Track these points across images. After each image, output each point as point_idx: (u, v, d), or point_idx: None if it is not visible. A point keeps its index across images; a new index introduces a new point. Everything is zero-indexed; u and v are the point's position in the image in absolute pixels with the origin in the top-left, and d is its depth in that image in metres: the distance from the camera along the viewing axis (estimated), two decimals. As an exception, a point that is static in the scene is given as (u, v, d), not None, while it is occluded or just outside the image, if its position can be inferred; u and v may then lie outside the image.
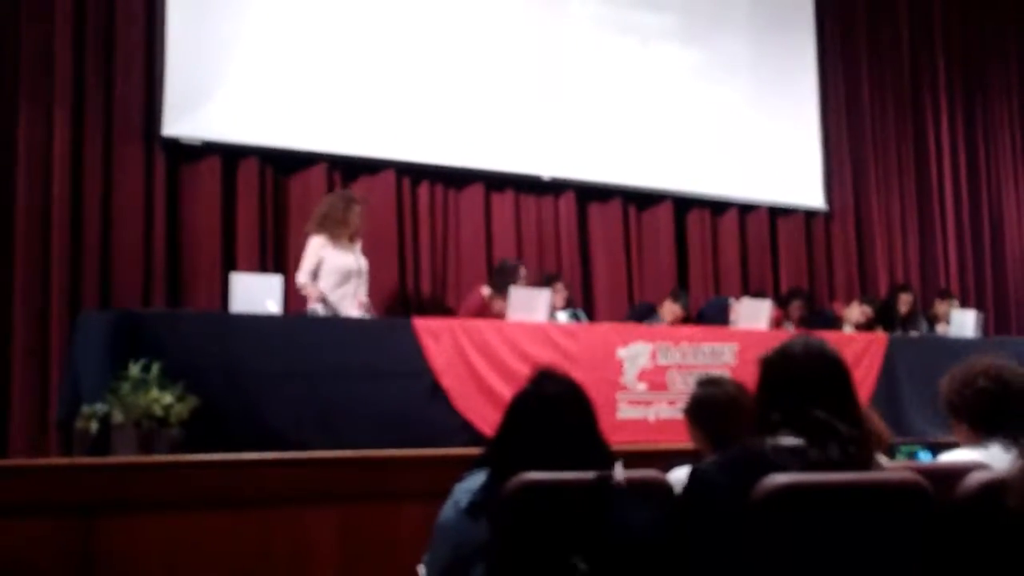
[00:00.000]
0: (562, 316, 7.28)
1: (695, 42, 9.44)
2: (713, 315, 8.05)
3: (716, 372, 3.29)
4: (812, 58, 10.15)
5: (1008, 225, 11.07)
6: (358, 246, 6.66)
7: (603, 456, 2.70)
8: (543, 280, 7.55)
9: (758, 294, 8.50)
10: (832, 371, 2.60)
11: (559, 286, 7.43)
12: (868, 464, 2.53)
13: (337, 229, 6.51)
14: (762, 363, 2.67)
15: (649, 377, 6.28)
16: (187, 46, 7.31)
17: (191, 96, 7.31)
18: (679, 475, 2.81)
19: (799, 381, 2.57)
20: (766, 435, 2.52)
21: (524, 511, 2.44)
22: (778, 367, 2.63)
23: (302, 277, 6.41)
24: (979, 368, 3.23)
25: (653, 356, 6.33)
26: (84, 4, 7.06)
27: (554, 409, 2.78)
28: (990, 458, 3.07)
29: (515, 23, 8.62)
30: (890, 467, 3.04)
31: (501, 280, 7.10)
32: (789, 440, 2.46)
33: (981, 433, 3.21)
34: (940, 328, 8.84)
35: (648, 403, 6.24)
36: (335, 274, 6.41)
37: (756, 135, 9.62)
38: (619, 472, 2.57)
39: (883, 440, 3.26)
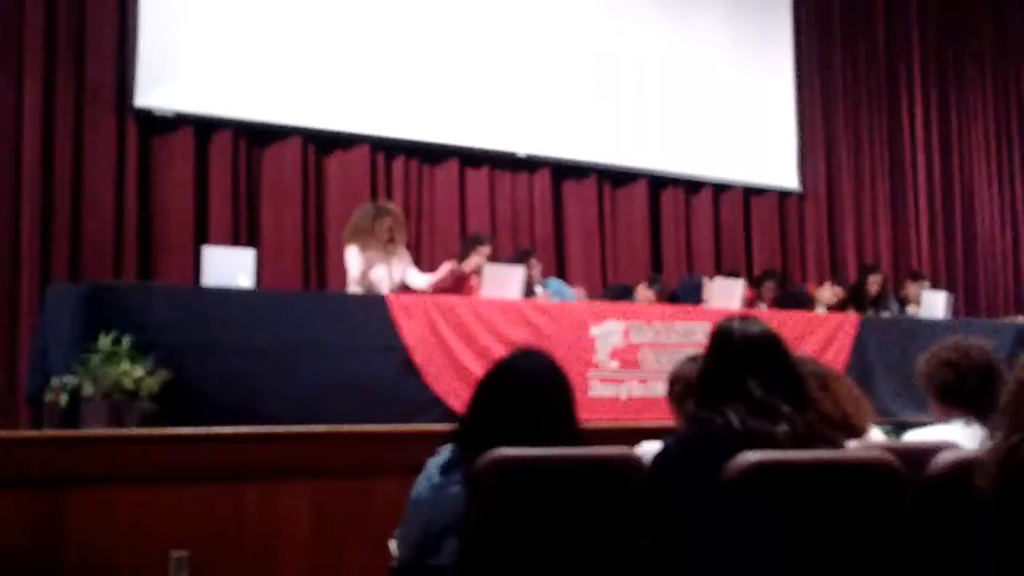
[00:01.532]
0: (540, 290, 7.27)
1: (671, 20, 9.43)
2: (686, 294, 8.06)
3: (693, 351, 3.28)
4: (788, 37, 10.18)
5: (979, 207, 11.15)
6: (397, 256, 6.57)
7: (571, 435, 2.73)
8: (516, 257, 7.54)
9: (731, 273, 8.51)
10: (770, 351, 2.68)
11: (533, 261, 7.42)
12: (822, 442, 2.58)
13: (366, 239, 6.47)
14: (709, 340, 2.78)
15: (621, 355, 6.28)
16: (160, 16, 7.25)
17: (164, 67, 7.26)
18: (647, 449, 2.82)
19: (739, 359, 2.66)
20: (708, 410, 2.57)
21: (498, 486, 2.44)
22: (720, 345, 2.73)
23: (352, 286, 6.37)
24: (948, 344, 3.29)
25: (626, 334, 6.34)
26: (55, -27, 6.99)
27: (525, 383, 2.79)
28: (952, 434, 3.11)
29: (486, 1, 8.58)
30: (862, 445, 3.07)
31: (463, 250, 7.13)
32: (735, 416, 2.50)
33: (947, 407, 3.27)
34: (911, 309, 8.88)
35: (620, 381, 6.24)
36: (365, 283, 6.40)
37: (731, 114, 9.63)
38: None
39: (858, 426, 3.27)
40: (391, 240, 6.51)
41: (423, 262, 8.14)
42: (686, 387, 3.23)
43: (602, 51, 9.03)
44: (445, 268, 6.68)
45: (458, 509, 2.56)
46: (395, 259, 6.52)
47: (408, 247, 7.36)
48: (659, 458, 2.60)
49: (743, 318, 2.82)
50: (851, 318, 7.36)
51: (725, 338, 2.74)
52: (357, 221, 6.58)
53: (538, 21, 8.76)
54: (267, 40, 7.62)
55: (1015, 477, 2.12)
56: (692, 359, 3.35)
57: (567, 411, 2.81)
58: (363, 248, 6.45)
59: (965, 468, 2.36)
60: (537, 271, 7.41)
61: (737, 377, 2.62)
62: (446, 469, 2.72)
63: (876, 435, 3.21)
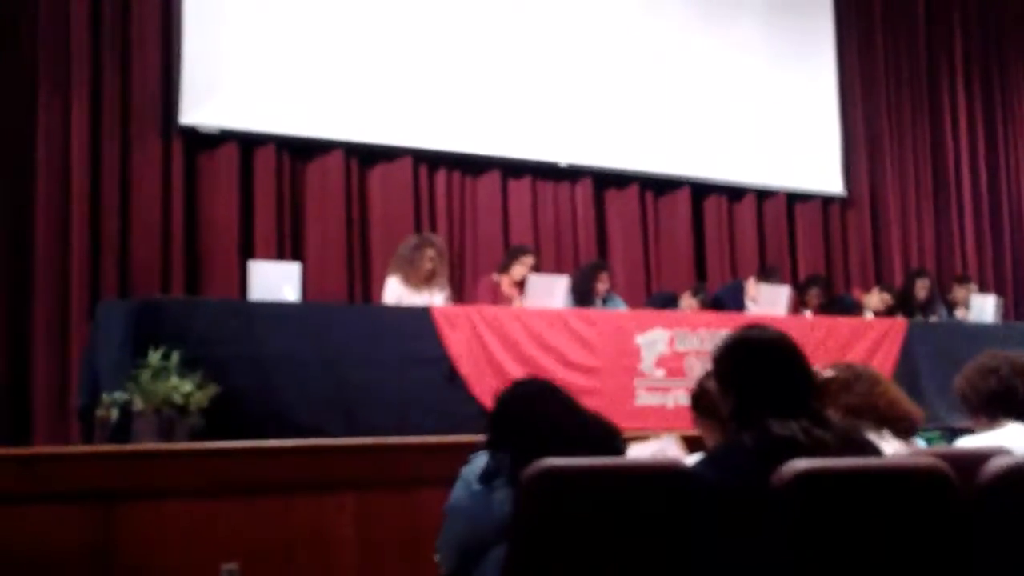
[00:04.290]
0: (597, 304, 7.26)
1: (712, 26, 9.39)
2: (729, 299, 8.03)
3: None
4: (830, 42, 10.10)
5: (1027, 208, 11.00)
6: (439, 288, 6.56)
7: (608, 432, 2.79)
8: (588, 268, 7.52)
9: (771, 271, 8.45)
10: (790, 355, 2.67)
11: (603, 275, 7.39)
12: (862, 446, 2.57)
13: (407, 270, 6.50)
14: (724, 354, 2.76)
15: (667, 363, 6.27)
16: (203, 34, 7.32)
17: (208, 84, 7.32)
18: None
19: (764, 367, 2.65)
20: (744, 422, 2.56)
21: (547, 497, 2.44)
22: (742, 356, 2.71)
23: None
24: (989, 365, 3.25)
25: (671, 342, 6.32)
26: (101, -7, 7.08)
27: (544, 395, 2.95)
28: (1006, 437, 3.08)
29: (531, 8, 8.59)
30: (910, 450, 3.04)
31: (506, 261, 7.15)
32: (775, 427, 2.49)
33: (994, 415, 3.24)
34: (959, 313, 8.79)
35: (666, 390, 6.23)
36: None
37: (773, 120, 9.57)
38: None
39: (914, 423, 3.26)
40: (432, 272, 6.53)
41: (466, 273, 8.18)
42: (715, 400, 3.21)
43: (642, 59, 9.01)
44: None
45: (503, 519, 2.57)
46: (436, 291, 6.52)
47: (452, 259, 7.40)
48: (703, 473, 2.57)
49: (756, 327, 2.82)
50: (898, 323, 7.30)
51: (745, 349, 2.72)
52: (400, 251, 6.64)
53: (577, 30, 8.75)
54: (309, 55, 7.67)
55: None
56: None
57: (585, 411, 2.91)
58: (405, 279, 6.48)
59: (1018, 473, 2.34)
60: (605, 285, 7.38)
61: (766, 386, 2.61)
62: (486, 477, 2.74)
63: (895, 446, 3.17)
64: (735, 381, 2.69)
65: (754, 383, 2.63)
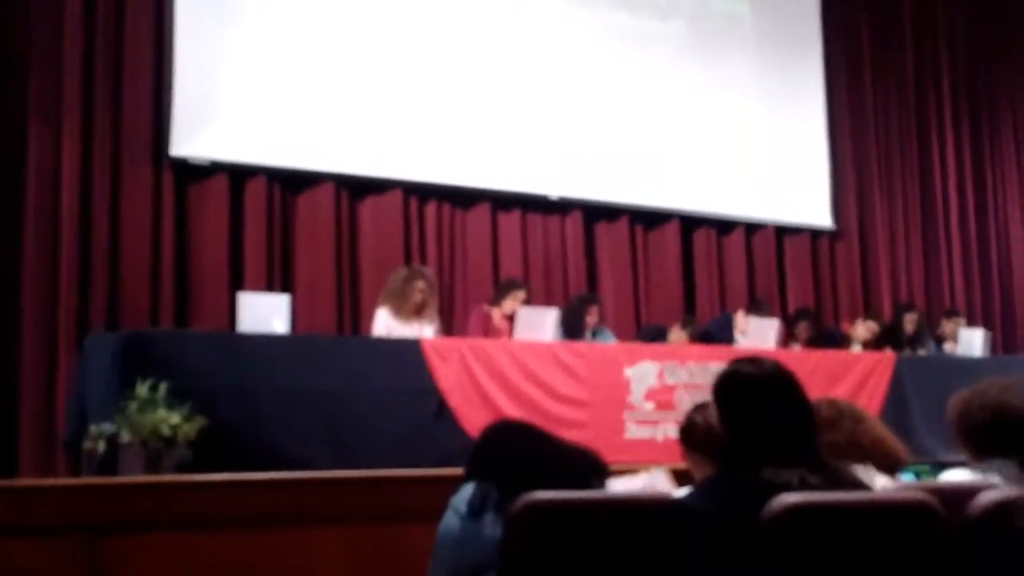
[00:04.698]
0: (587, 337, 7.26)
1: (701, 61, 9.45)
2: (718, 331, 8.04)
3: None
4: (819, 77, 10.17)
5: (1015, 241, 11.03)
6: (428, 320, 6.56)
7: (586, 465, 2.81)
8: (579, 301, 7.54)
9: (758, 305, 8.48)
10: (787, 388, 2.64)
11: (593, 308, 7.40)
12: (850, 483, 2.56)
13: (397, 301, 6.50)
14: (718, 389, 2.71)
15: (656, 396, 6.27)
16: (194, 67, 7.35)
17: (199, 116, 7.34)
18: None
19: (758, 401, 2.61)
20: (735, 457, 2.56)
21: (534, 530, 2.44)
22: (735, 390, 2.68)
23: None
24: (978, 401, 3.23)
25: (660, 375, 6.33)
26: (93, 25, 7.10)
27: (524, 430, 3.05)
28: (990, 473, 3.08)
29: (521, 43, 8.64)
30: (896, 486, 3.04)
31: (498, 295, 7.16)
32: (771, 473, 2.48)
33: (984, 455, 3.22)
34: (948, 347, 8.81)
35: (656, 423, 6.22)
36: None
37: (762, 154, 9.63)
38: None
39: (899, 460, 3.26)
40: (422, 304, 6.53)
41: (456, 305, 8.18)
42: (705, 434, 3.20)
43: (632, 94, 9.05)
44: None
45: (493, 547, 2.57)
46: (425, 323, 6.52)
47: (441, 291, 7.40)
48: (695, 504, 2.57)
49: (750, 359, 2.76)
50: (887, 357, 7.32)
51: (736, 381, 2.69)
52: (390, 283, 6.64)
53: (568, 65, 8.80)
54: (299, 87, 7.70)
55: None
56: (702, 406, 3.32)
57: (570, 446, 2.97)
58: (395, 310, 6.47)
59: (1007, 508, 2.34)
60: (594, 318, 7.39)
61: (759, 420, 2.59)
62: (474, 507, 2.75)
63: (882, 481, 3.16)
64: (729, 420, 2.66)
65: (749, 425, 2.59)
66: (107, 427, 4.79)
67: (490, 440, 3.01)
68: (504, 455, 2.88)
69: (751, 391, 2.63)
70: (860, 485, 2.65)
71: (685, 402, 6.21)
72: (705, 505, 2.49)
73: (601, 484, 2.93)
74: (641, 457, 5.79)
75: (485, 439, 3.02)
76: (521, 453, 2.86)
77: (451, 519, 2.79)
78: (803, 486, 2.45)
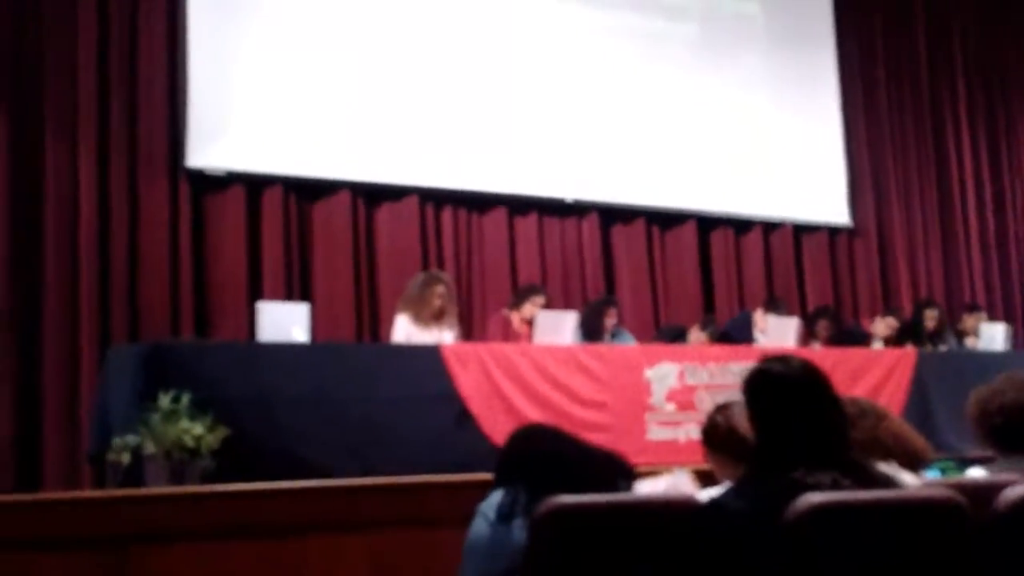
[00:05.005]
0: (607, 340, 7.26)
1: (714, 62, 9.43)
2: (737, 331, 8.03)
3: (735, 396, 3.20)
4: (832, 73, 10.14)
5: (1035, 234, 10.99)
6: (448, 326, 6.57)
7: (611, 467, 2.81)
8: (597, 303, 7.55)
9: (775, 302, 8.44)
10: (816, 387, 2.61)
11: (611, 311, 7.41)
12: (878, 480, 2.55)
13: (417, 307, 6.51)
14: (746, 389, 2.69)
15: (678, 397, 6.26)
16: (209, 77, 7.38)
17: (214, 127, 7.37)
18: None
19: (786, 401, 2.58)
20: (764, 458, 2.55)
21: (558, 534, 2.44)
22: (763, 389, 2.65)
23: None
24: (996, 401, 3.22)
25: (681, 376, 6.31)
26: (107, 38, 7.13)
27: (551, 434, 3.07)
28: (1014, 469, 3.07)
29: (533, 47, 8.65)
30: (922, 483, 3.03)
31: (517, 300, 7.18)
32: (796, 462, 2.47)
33: (1006, 452, 3.21)
34: (969, 342, 8.78)
35: (677, 424, 6.21)
36: None
37: (778, 152, 9.61)
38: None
39: (923, 456, 3.25)
40: (442, 309, 6.53)
41: (474, 310, 8.18)
42: (727, 435, 3.19)
43: (646, 94, 9.05)
44: None
45: (518, 546, 2.58)
46: (445, 329, 6.53)
47: (459, 296, 7.40)
48: (723, 510, 2.55)
49: (779, 358, 2.74)
50: (909, 354, 7.29)
51: (766, 381, 2.67)
52: (409, 290, 6.65)
53: (581, 67, 8.80)
54: (313, 96, 7.72)
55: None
56: (724, 407, 3.31)
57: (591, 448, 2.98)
58: (415, 316, 6.48)
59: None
60: (613, 320, 7.39)
61: (787, 420, 2.58)
62: (503, 512, 2.75)
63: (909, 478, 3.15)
64: (759, 419, 2.63)
65: (779, 425, 2.57)
66: (131, 439, 4.81)
67: (517, 445, 3.01)
68: (532, 460, 2.89)
69: (781, 390, 2.61)
70: (891, 484, 2.63)
71: (706, 403, 6.20)
72: (740, 504, 2.48)
73: (628, 487, 2.93)
74: (663, 458, 5.78)
75: (512, 444, 3.03)
76: (548, 457, 2.87)
77: (480, 525, 2.79)
78: (835, 486, 2.43)
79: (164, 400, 4.84)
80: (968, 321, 9.06)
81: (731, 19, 9.65)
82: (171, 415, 4.79)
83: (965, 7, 11.02)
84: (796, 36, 9.96)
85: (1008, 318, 9.97)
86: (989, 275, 10.68)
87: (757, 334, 7.93)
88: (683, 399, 6.27)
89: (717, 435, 3.25)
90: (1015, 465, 3.15)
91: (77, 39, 7.01)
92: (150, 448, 4.74)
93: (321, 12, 7.85)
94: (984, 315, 9.29)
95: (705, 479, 3.38)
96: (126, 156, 7.11)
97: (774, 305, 8.33)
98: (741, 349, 6.90)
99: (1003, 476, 2.96)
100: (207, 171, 7.35)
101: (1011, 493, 2.41)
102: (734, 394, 2.97)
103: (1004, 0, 11.19)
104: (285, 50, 7.70)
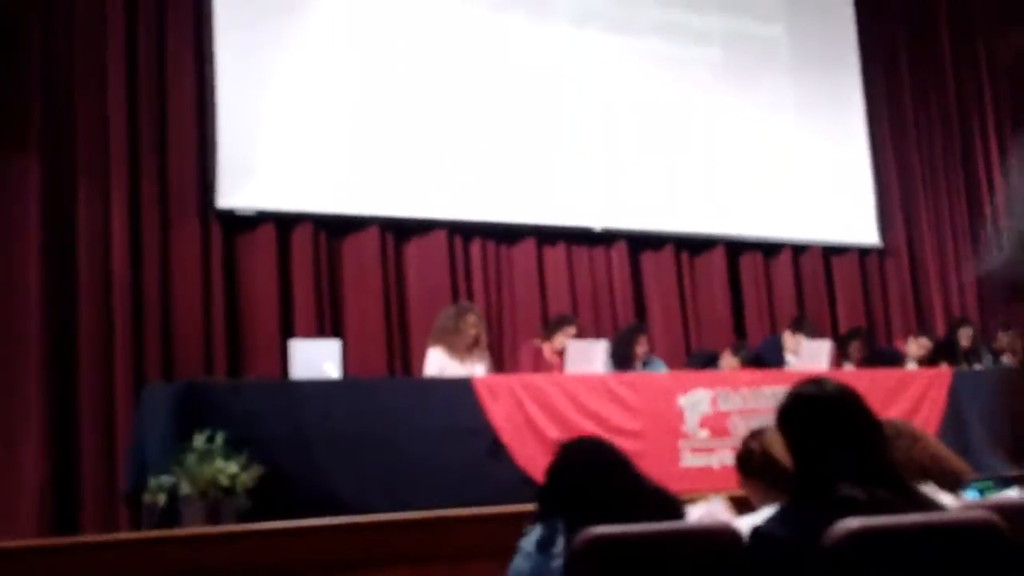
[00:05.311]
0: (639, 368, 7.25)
1: (739, 85, 9.43)
2: (768, 354, 8.00)
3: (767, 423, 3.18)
4: (858, 93, 10.12)
5: (1066, 251, 10.90)
6: (479, 358, 6.60)
7: (666, 500, 2.76)
8: (627, 331, 7.56)
9: (801, 322, 8.39)
10: (852, 409, 2.60)
11: (642, 338, 7.41)
12: (919, 501, 2.52)
13: (451, 339, 6.53)
14: (784, 415, 2.67)
15: (711, 423, 6.24)
16: (237, 118, 7.44)
17: (242, 167, 7.43)
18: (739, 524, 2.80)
19: (823, 424, 2.57)
20: (805, 483, 2.53)
21: (596, 565, 2.43)
22: (799, 413, 2.64)
23: None
24: None
25: (713, 402, 6.29)
26: (135, 81, 7.20)
27: (597, 461, 2.95)
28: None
29: (558, 75, 8.67)
30: (961, 504, 3.01)
31: (548, 331, 7.20)
32: (846, 491, 2.44)
33: None
34: (1006, 360, 8.70)
35: (711, 450, 6.19)
36: None
37: (805, 174, 9.58)
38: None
39: (961, 476, 3.22)
40: (476, 338, 6.55)
41: (504, 341, 8.18)
42: (762, 460, 3.18)
43: (671, 120, 9.06)
44: None
45: None
46: (476, 361, 6.54)
47: (490, 328, 7.41)
48: (766, 536, 2.53)
49: (815, 381, 2.72)
50: (943, 373, 7.24)
51: (803, 405, 2.66)
52: (441, 322, 6.66)
53: (605, 95, 8.82)
54: (339, 134, 7.77)
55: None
56: (758, 432, 3.29)
57: (640, 476, 2.91)
58: (449, 349, 6.49)
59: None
60: (644, 348, 7.39)
61: (825, 443, 2.57)
62: (542, 545, 2.74)
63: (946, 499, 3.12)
64: (796, 444, 2.62)
65: (817, 448, 2.56)
66: (166, 479, 4.84)
67: (559, 475, 2.97)
68: (571, 493, 2.85)
69: (817, 413, 2.60)
70: (933, 504, 2.60)
71: (740, 428, 6.18)
72: (784, 531, 2.46)
73: (680, 516, 2.90)
74: (698, 486, 5.76)
75: (555, 473, 2.97)
76: (590, 489, 2.83)
77: (519, 563, 2.78)
78: (877, 507, 2.41)
79: (199, 439, 4.86)
80: (1003, 339, 8.98)
81: (754, 42, 9.65)
82: (206, 455, 4.81)
83: (991, 25, 10.97)
84: (821, 58, 9.96)
85: (1045, 336, 9.88)
86: (1023, 292, 10.59)
87: (788, 356, 7.90)
88: (716, 425, 6.25)
89: (752, 461, 3.24)
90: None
91: (107, 82, 7.09)
92: (185, 488, 4.77)
93: (346, 50, 7.92)
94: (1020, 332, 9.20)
95: (741, 506, 3.36)
96: (157, 199, 7.17)
97: (800, 324, 8.28)
98: (773, 373, 6.88)
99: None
100: (237, 211, 7.41)
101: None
102: (768, 419, 2.95)
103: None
104: (311, 89, 7.76)
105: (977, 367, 8.30)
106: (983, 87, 10.85)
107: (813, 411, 2.61)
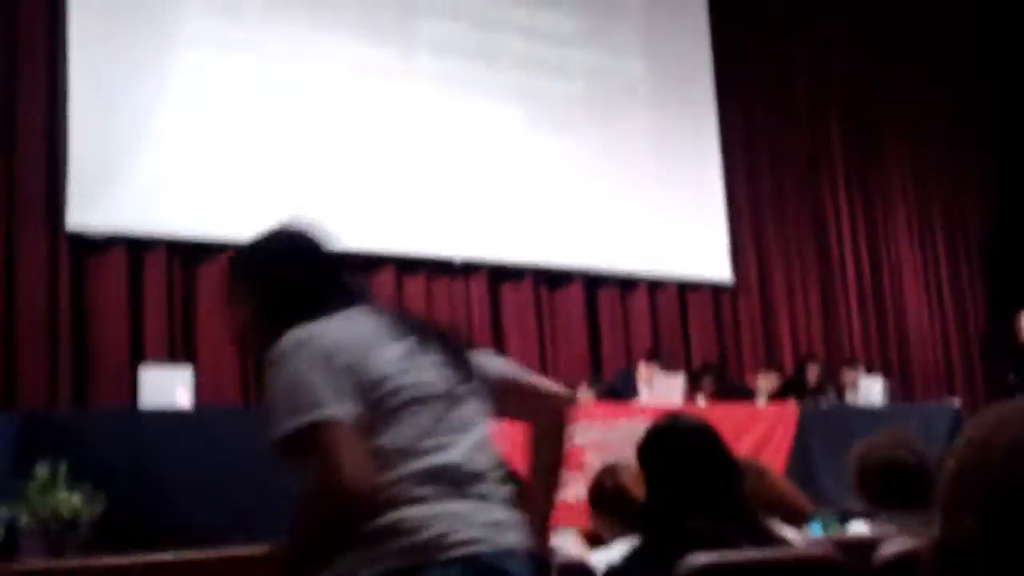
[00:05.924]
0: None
1: (598, 123, 9.57)
2: (622, 386, 8.10)
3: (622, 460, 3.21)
4: (714, 133, 10.37)
5: (908, 292, 11.37)
6: None
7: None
8: None
9: (656, 354, 8.55)
10: (710, 445, 2.66)
11: None
12: (764, 536, 2.58)
13: None
14: (644, 452, 2.73)
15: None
16: (91, 130, 7.23)
17: (95, 183, 7.22)
18: (598, 559, 2.82)
19: (681, 460, 2.63)
20: (658, 516, 2.57)
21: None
22: (659, 448, 2.70)
23: None
24: (872, 457, 3.28)
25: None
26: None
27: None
28: (891, 524, 3.13)
29: (421, 106, 8.68)
30: (805, 540, 3.09)
31: None
32: (693, 524, 2.49)
33: (882, 507, 3.28)
34: (849, 396, 8.99)
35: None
36: None
37: (663, 211, 9.76)
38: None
39: (804, 512, 3.31)
40: None
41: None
42: (615, 496, 3.22)
43: (531, 154, 9.12)
44: None
45: None
46: None
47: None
48: (619, 574, 2.56)
49: (674, 416, 2.81)
50: (791, 410, 7.44)
51: (663, 440, 2.72)
52: None
53: (467, 125, 8.85)
54: (196, 154, 7.61)
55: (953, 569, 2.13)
56: (611, 468, 3.33)
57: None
58: None
59: (910, 559, 2.39)
60: None
61: (681, 477, 2.61)
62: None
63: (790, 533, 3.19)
64: (652, 480, 2.68)
65: (671, 486, 2.61)
66: (4, 511, 4.65)
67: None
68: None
69: (674, 447, 2.66)
70: (779, 539, 2.66)
71: (594, 463, 6.22)
72: (637, 568, 2.49)
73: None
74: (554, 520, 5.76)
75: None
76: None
77: None
78: (724, 541, 2.45)
79: (41, 470, 4.69)
80: (848, 375, 9.28)
81: (614, 78, 9.82)
82: (48, 486, 4.65)
83: (840, 77, 11.41)
84: (678, 98, 10.18)
85: (885, 372, 10.26)
86: (867, 330, 11.00)
87: (642, 387, 8.01)
88: (571, 459, 6.26)
89: (605, 496, 3.27)
90: (894, 519, 3.21)
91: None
92: (25, 520, 4.59)
93: (206, 68, 7.78)
94: (862, 369, 9.54)
95: (592, 541, 3.39)
96: (2, 212, 6.93)
97: (656, 355, 8.43)
98: (627, 407, 6.97)
99: (882, 531, 3.03)
100: (87, 233, 7.19)
101: (886, 551, 2.47)
102: (622, 453, 2.98)
103: (880, 69, 11.60)
104: (169, 108, 7.60)
105: (823, 402, 8.56)
106: (832, 136, 11.26)
107: (672, 445, 2.66)
